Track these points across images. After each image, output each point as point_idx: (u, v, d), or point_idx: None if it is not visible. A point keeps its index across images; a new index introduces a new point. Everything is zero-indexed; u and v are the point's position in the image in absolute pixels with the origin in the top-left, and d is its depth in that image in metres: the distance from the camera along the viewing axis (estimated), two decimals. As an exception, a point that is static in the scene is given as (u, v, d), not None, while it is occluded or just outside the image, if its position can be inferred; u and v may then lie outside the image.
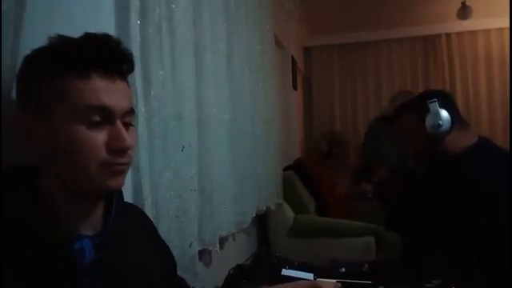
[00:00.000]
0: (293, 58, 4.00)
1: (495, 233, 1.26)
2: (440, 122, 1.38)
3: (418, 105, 1.45)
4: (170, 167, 1.24)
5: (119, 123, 0.63)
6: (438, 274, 1.19)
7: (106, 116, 0.62)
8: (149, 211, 1.09)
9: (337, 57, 5.08)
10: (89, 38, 0.63)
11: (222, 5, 1.76)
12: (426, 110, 1.41)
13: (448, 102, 1.44)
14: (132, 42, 1.06)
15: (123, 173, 0.66)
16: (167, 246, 0.91)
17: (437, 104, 1.40)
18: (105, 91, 0.61)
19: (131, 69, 0.67)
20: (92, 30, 0.99)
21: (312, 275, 1.33)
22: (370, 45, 4.94)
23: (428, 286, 1.15)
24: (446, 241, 1.35)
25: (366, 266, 1.37)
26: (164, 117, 1.21)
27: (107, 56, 0.62)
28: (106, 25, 1.07)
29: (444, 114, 1.39)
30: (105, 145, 0.62)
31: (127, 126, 0.66)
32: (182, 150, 1.30)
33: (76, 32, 0.83)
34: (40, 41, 0.76)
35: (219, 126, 1.68)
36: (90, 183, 0.62)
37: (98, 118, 0.61)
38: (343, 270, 1.37)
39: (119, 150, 0.63)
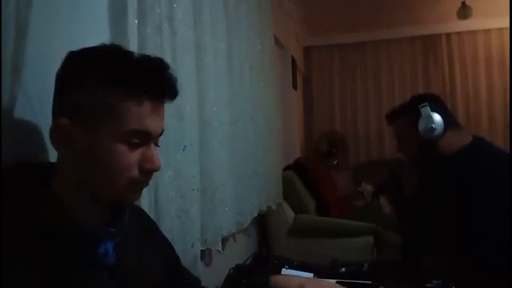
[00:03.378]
0: (293, 57, 4.00)
1: (491, 232, 1.27)
2: (433, 125, 1.39)
3: (410, 109, 1.45)
4: (172, 167, 1.24)
5: (153, 146, 0.66)
6: (437, 274, 1.19)
7: (144, 138, 0.65)
8: (147, 212, 1.09)
9: (337, 57, 5.08)
10: (146, 61, 0.65)
11: (222, 5, 1.76)
12: (419, 115, 1.41)
13: (439, 105, 1.45)
14: (130, 42, 1.06)
15: (143, 189, 0.69)
16: (169, 242, 0.92)
17: (428, 108, 1.40)
18: (150, 117, 0.64)
19: (176, 96, 0.69)
20: (88, 29, 1.00)
21: (312, 275, 1.33)
22: (370, 45, 4.94)
23: (428, 286, 1.15)
24: (444, 241, 1.35)
25: (366, 265, 1.37)
26: (165, 117, 1.21)
27: (161, 83, 0.64)
28: (101, 25, 1.07)
29: (436, 117, 1.40)
30: (137, 164, 0.64)
31: (155, 145, 0.69)
32: (184, 150, 1.31)
33: (71, 32, 0.83)
34: (34, 40, 0.76)
35: (220, 126, 1.68)
36: (114, 194, 0.65)
37: (138, 140, 0.64)
38: (343, 269, 1.37)
39: (150, 171, 0.66)
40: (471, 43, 4.70)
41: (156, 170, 0.66)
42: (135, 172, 0.64)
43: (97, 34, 1.03)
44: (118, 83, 0.61)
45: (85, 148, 0.62)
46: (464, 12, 3.87)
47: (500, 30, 4.50)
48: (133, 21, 1.09)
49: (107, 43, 0.65)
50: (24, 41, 0.72)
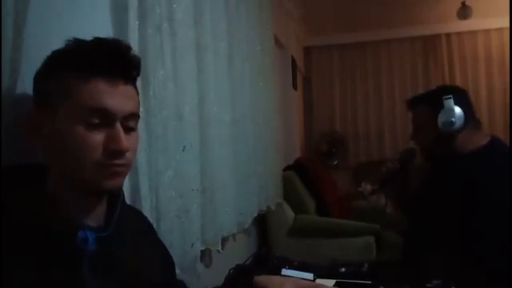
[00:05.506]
0: (293, 57, 4.00)
1: (499, 234, 1.26)
2: (453, 119, 1.34)
3: (434, 100, 1.40)
4: (171, 167, 1.24)
5: (118, 126, 0.64)
6: (437, 274, 1.19)
7: (105, 118, 0.63)
8: (147, 212, 1.09)
9: (337, 57, 5.08)
10: (98, 42, 0.65)
11: (222, 5, 1.76)
12: (441, 106, 1.37)
13: (463, 100, 1.39)
14: (130, 42, 1.06)
15: (120, 174, 0.67)
16: (166, 248, 0.92)
17: (452, 101, 1.35)
18: (106, 94, 0.63)
19: (137, 74, 0.69)
20: (89, 30, 0.99)
21: (312, 275, 1.33)
22: (370, 45, 4.94)
23: (428, 285, 1.15)
24: (446, 239, 1.34)
25: (366, 265, 1.37)
26: (164, 117, 1.21)
27: (112, 60, 0.64)
28: (102, 25, 1.07)
29: (458, 111, 1.35)
30: (102, 146, 0.63)
31: (128, 129, 0.67)
32: (183, 150, 1.31)
33: (71, 32, 0.83)
34: (36, 41, 0.76)
35: (220, 126, 1.68)
36: (86, 182, 0.64)
37: (96, 120, 0.63)
38: (343, 269, 1.37)
39: (115, 152, 0.64)
40: (471, 43, 4.70)
41: (122, 151, 0.64)
42: (98, 154, 0.63)
43: (97, 35, 1.03)
44: (68, 65, 0.63)
45: (50, 136, 0.63)
46: (464, 12, 3.88)
47: (500, 29, 4.50)
48: (133, 21, 1.09)
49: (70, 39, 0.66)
50: (21, 40, 0.72)
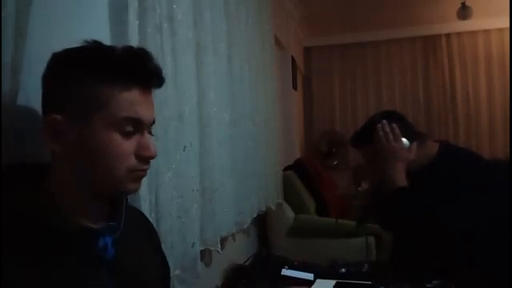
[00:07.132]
0: (293, 57, 4.00)
1: (484, 232, 1.25)
2: None
3: (371, 134, 1.41)
4: (172, 167, 1.24)
5: (147, 133, 0.68)
6: (437, 274, 1.19)
7: (137, 126, 0.66)
8: (147, 212, 1.08)
9: (337, 57, 5.09)
10: (129, 50, 0.66)
11: (222, 5, 1.76)
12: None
13: (398, 123, 1.39)
14: (130, 42, 1.06)
15: (143, 177, 0.70)
16: (165, 256, 0.92)
17: None
18: (140, 104, 0.66)
19: (162, 83, 0.71)
20: (89, 29, 1.00)
21: (312, 275, 1.33)
22: (370, 45, 4.94)
23: (428, 286, 1.15)
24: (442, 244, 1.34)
25: (366, 266, 1.37)
26: (165, 117, 1.21)
27: (146, 71, 0.66)
28: (102, 25, 1.07)
29: None
30: (134, 152, 0.66)
31: (149, 134, 0.70)
32: (184, 150, 1.31)
33: (71, 32, 0.83)
34: (34, 40, 0.76)
35: (220, 126, 1.68)
36: (114, 186, 0.66)
37: (131, 129, 0.65)
38: (343, 270, 1.37)
39: (146, 158, 0.67)
40: (471, 43, 4.70)
41: (152, 157, 0.68)
42: (132, 160, 0.66)
43: (97, 34, 1.03)
44: (104, 74, 0.63)
45: (78, 143, 0.63)
46: (464, 12, 3.88)
47: (500, 30, 4.51)
48: (133, 21, 1.09)
49: (88, 41, 0.65)
50: (24, 41, 0.72)
